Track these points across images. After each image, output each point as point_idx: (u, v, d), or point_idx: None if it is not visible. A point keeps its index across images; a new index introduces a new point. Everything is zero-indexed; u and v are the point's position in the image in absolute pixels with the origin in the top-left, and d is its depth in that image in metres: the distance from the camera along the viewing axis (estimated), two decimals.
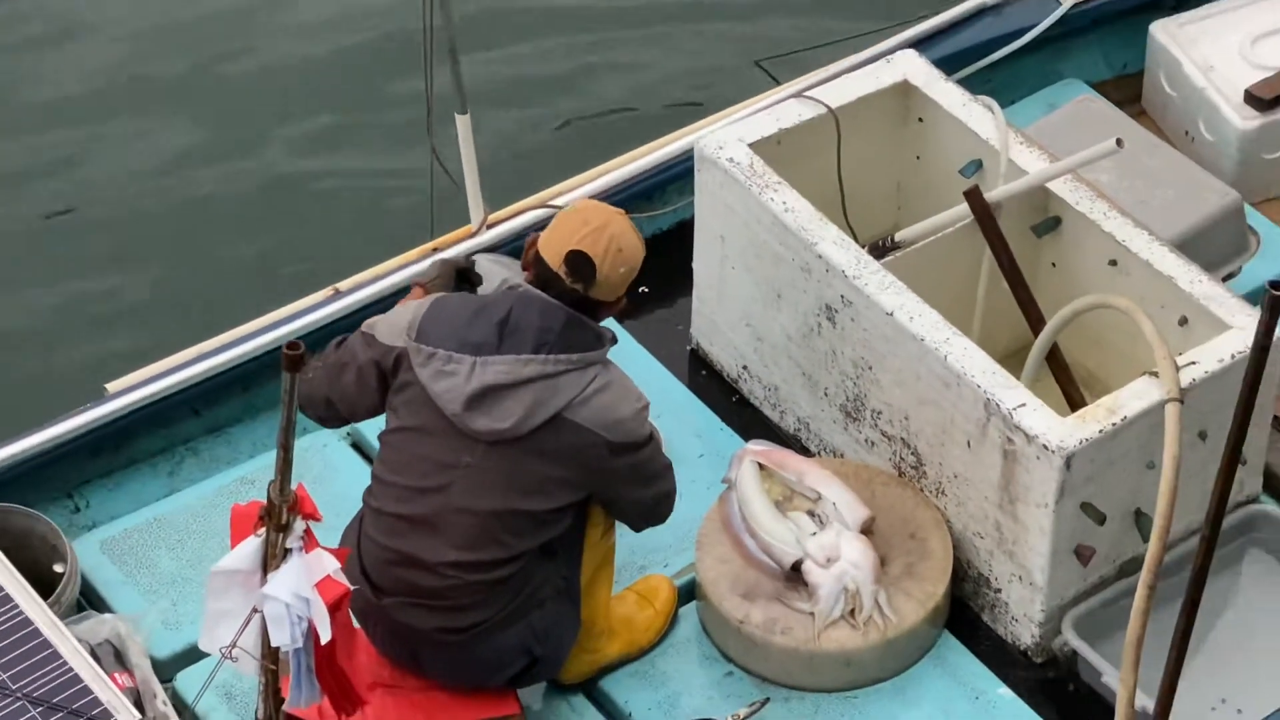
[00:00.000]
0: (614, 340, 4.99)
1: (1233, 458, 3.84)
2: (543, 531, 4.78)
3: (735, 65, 7.64)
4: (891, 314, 5.19)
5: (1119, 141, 5.61)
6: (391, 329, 4.83)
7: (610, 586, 5.25)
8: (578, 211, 4.91)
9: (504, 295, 4.87)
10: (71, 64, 8.59)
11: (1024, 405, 4.98)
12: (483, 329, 4.70)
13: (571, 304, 4.71)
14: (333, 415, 5.04)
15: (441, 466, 4.74)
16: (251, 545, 4.18)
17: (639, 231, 4.84)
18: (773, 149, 5.73)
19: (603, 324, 4.95)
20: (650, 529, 5.21)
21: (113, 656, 4.92)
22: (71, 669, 4.66)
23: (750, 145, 5.70)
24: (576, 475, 4.73)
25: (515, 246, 5.98)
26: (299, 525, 4.15)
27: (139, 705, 4.76)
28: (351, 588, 4.33)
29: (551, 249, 4.71)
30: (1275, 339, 3.63)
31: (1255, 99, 6.42)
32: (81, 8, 8.95)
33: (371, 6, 8.03)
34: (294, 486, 4.07)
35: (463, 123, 5.96)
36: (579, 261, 4.64)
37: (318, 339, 5.56)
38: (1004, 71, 6.69)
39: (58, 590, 5.04)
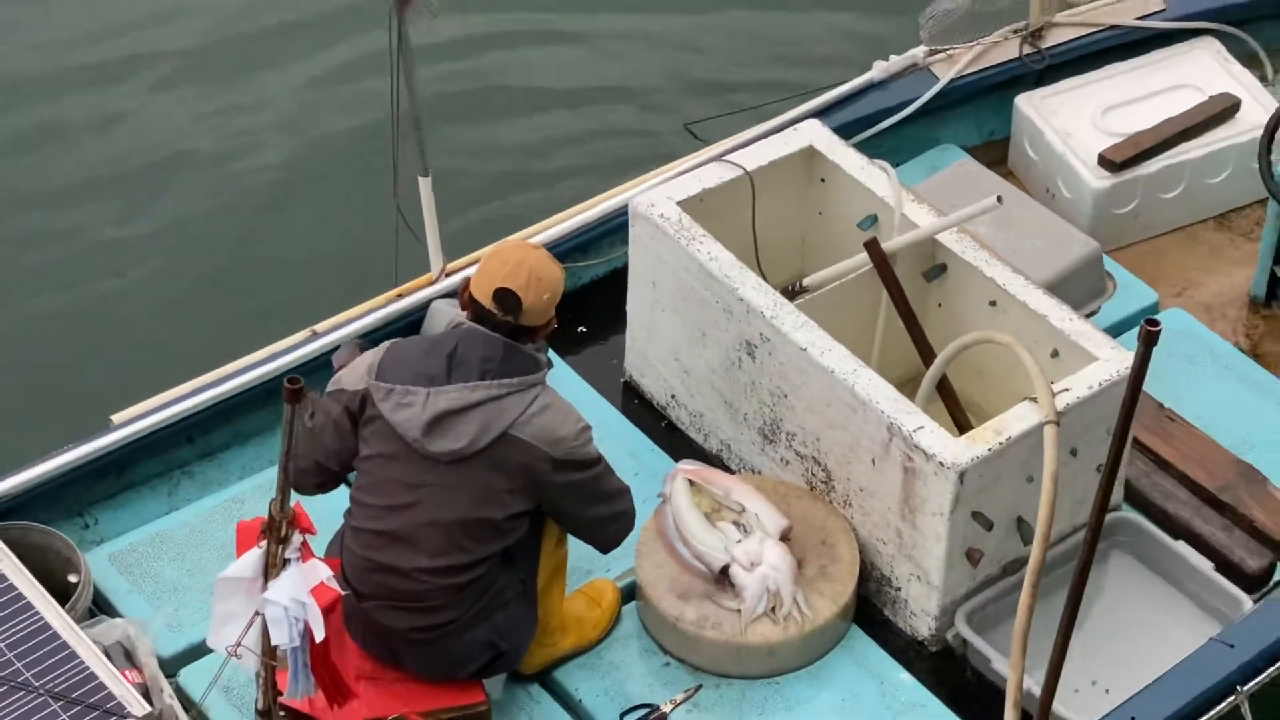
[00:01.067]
0: (550, 365, 5.03)
1: (1112, 472, 3.92)
2: (501, 538, 4.79)
3: (664, 132, 7.62)
4: (804, 349, 5.22)
5: (999, 198, 5.67)
6: (354, 376, 4.89)
7: (563, 590, 5.26)
8: (498, 253, 4.94)
9: (451, 333, 4.93)
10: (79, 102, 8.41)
11: (922, 428, 5.03)
12: (434, 363, 4.74)
13: (508, 334, 4.73)
14: (327, 476, 5.03)
15: (408, 486, 4.76)
16: (254, 555, 4.18)
17: (555, 260, 4.86)
18: (697, 205, 5.73)
19: (545, 355, 4.97)
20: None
21: (123, 656, 4.90)
22: (88, 667, 4.68)
23: (678, 203, 5.70)
24: (525, 486, 4.73)
25: None
26: (296, 538, 4.16)
27: (148, 698, 4.73)
28: (342, 593, 4.31)
29: (481, 289, 4.76)
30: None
31: (1107, 161, 6.47)
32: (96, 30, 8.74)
33: (345, 84, 7.95)
34: (291, 504, 4.05)
35: (424, 184, 5.95)
36: (505, 296, 4.68)
37: (298, 373, 5.33)
38: (892, 138, 6.67)
39: (73, 598, 5.04)
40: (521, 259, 4.80)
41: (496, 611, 4.87)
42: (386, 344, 4.96)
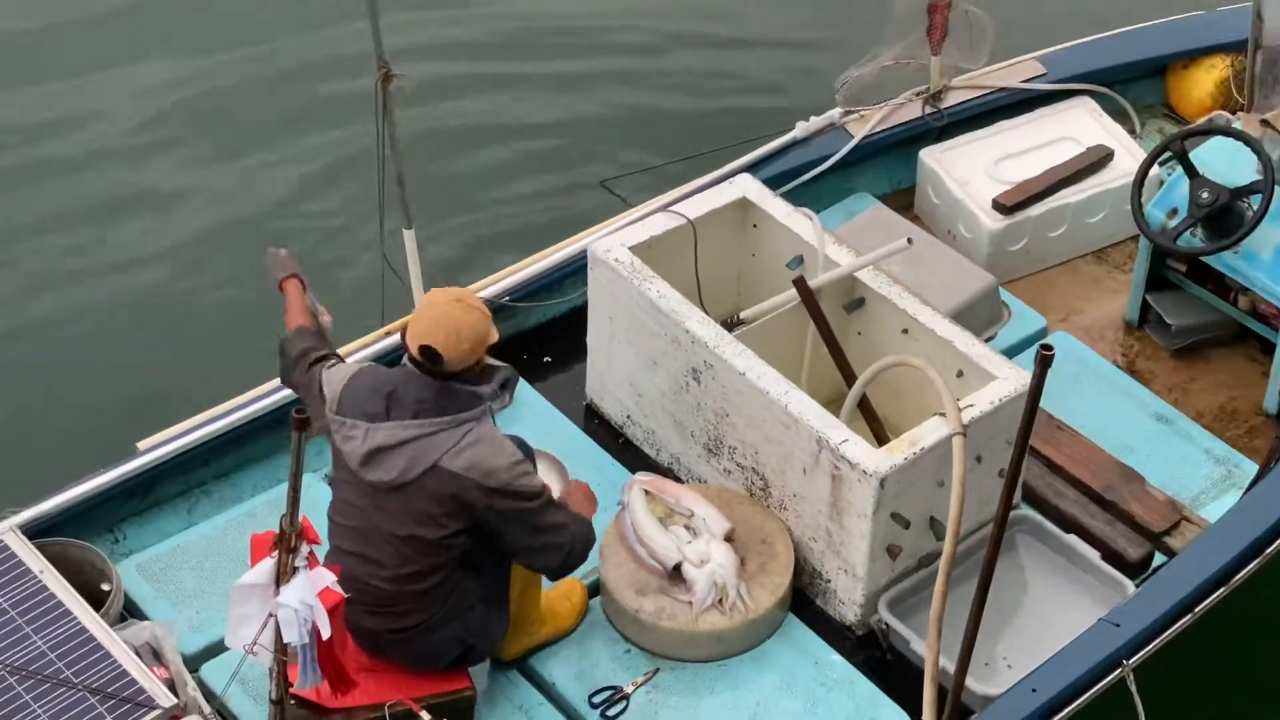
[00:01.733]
0: (497, 397, 4.91)
1: (1014, 476, 4.02)
2: (446, 552, 4.78)
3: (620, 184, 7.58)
4: (743, 374, 5.30)
5: (909, 240, 5.77)
6: (331, 389, 4.86)
7: (540, 590, 5.29)
8: (424, 307, 4.88)
9: (394, 372, 4.89)
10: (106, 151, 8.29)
11: (847, 441, 5.11)
12: (376, 401, 4.73)
13: (443, 378, 4.71)
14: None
15: (359, 508, 4.80)
16: (267, 564, 4.19)
17: (476, 308, 4.78)
18: (646, 250, 5.77)
19: (492, 385, 4.86)
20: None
21: (151, 654, 4.92)
22: (120, 665, 4.75)
23: (630, 248, 5.74)
24: (457, 511, 4.71)
25: None
26: (304, 548, 4.17)
27: (174, 691, 4.76)
28: (345, 595, 4.35)
29: (410, 341, 4.73)
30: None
31: (1000, 206, 6.53)
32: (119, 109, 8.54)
33: (335, 152, 7.96)
34: (300, 519, 4.09)
35: (409, 235, 5.95)
36: (425, 352, 4.64)
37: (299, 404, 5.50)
38: (813, 188, 6.64)
39: (106, 604, 5.05)
40: (439, 317, 4.74)
41: (465, 613, 4.87)
42: (355, 368, 4.95)
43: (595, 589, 5.47)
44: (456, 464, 4.66)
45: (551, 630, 5.35)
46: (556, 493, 5.23)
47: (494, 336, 4.82)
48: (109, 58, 8.58)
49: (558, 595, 5.42)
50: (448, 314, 4.73)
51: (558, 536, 4.90)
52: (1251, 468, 5.88)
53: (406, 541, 4.75)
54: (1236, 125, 6.25)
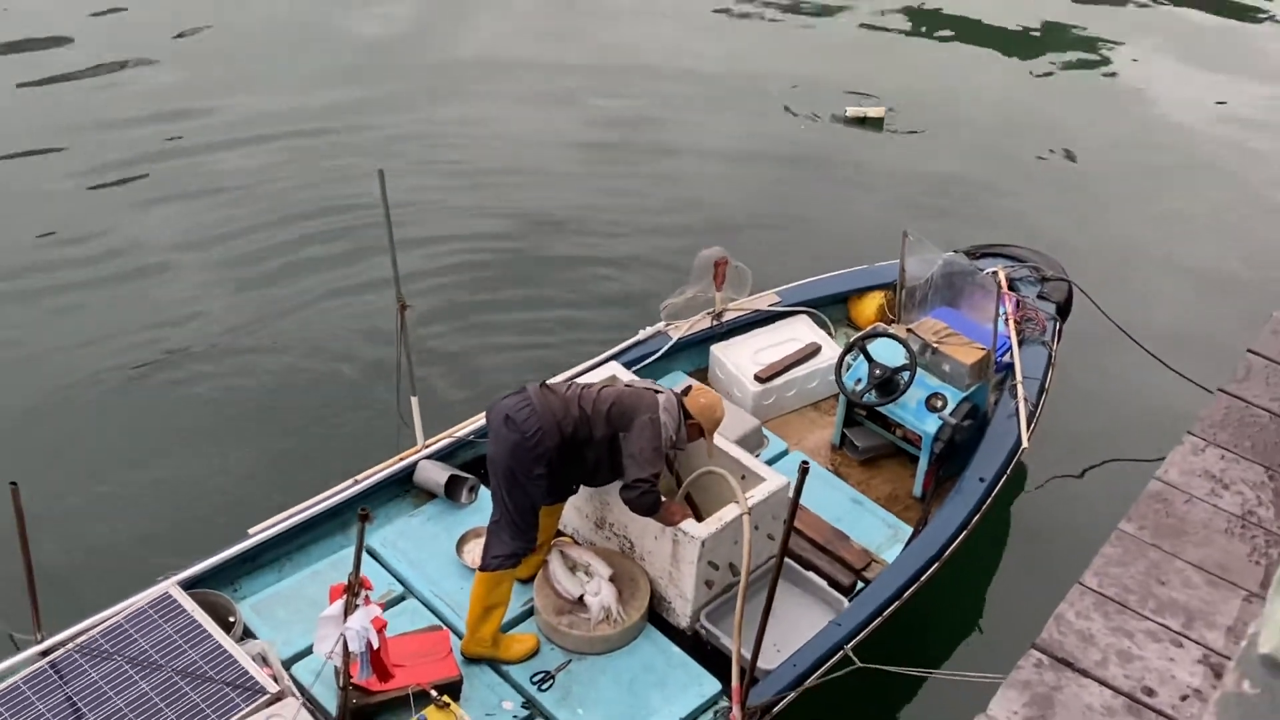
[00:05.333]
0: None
1: (786, 536, 4.16)
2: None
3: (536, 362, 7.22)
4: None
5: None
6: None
7: (500, 616, 5.11)
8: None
9: None
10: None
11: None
12: None
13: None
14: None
15: None
16: (340, 602, 4.21)
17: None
18: None
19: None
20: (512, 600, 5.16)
21: (262, 660, 4.90)
22: (243, 667, 4.71)
23: None
24: None
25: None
26: (364, 593, 4.20)
27: (276, 682, 4.72)
28: (385, 620, 4.32)
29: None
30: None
31: (758, 378, 6.55)
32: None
33: (366, 342, 7.49)
34: (360, 575, 4.09)
35: (415, 402, 5.85)
36: None
37: (355, 503, 5.55)
38: (652, 368, 6.51)
39: (232, 630, 5.06)
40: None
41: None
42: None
43: (531, 611, 5.34)
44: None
45: (499, 654, 5.16)
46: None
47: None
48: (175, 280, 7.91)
49: (517, 637, 5.23)
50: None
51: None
52: (908, 530, 5.93)
53: None
54: (891, 331, 6.37)
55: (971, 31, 11.26)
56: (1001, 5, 11.80)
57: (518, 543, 5.04)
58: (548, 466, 4.90)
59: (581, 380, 5.51)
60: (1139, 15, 12.02)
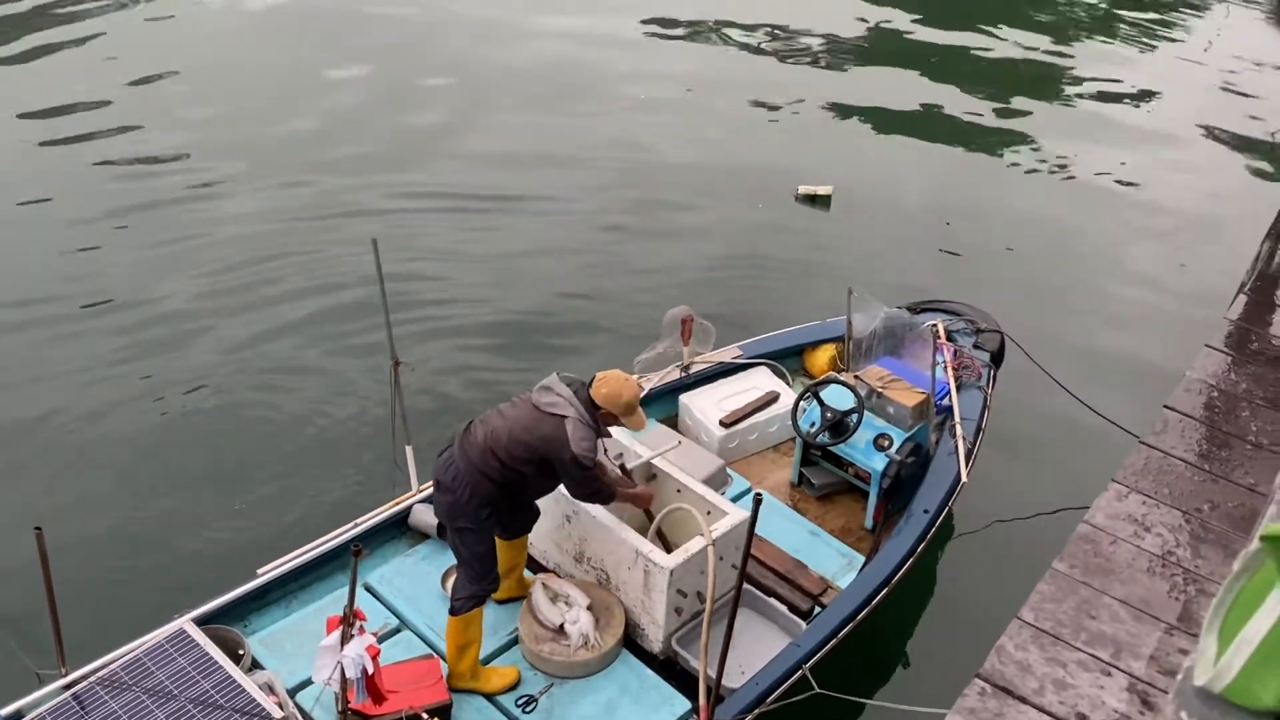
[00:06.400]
0: None
1: (744, 566, 4.08)
2: None
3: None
4: (595, 517, 5.26)
5: (679, 442, 6.00)
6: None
7: (476, 652, 4.95)
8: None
9: None
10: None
11: (651, 551, 5.12)
12: None
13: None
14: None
15: None
16: (337, 633, 4.16)
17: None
18: None
19: None
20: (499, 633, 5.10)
21: (268, 688, 4.81)
22: (251, 695, 4.60)
23: None
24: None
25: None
26: (358, 624, 4.14)
27: (282, 709, 4.61)
28: (380, 648, 4.26)
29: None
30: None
31: (723, 423, 6.47)
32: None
33: (363, 398, 7.35)
34: (355, 608, 4.06)
35: (409, 450, 5.78)
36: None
37: (350, 542, 5.46)
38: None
39: (242, 662, 4.96)
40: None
41: None
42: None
43: (515, 640, 5.25)
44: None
45: (479, 686, 5.01)
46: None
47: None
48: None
49: (498, 670, 5.09)
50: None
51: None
52: (861, 559, 5.86)
53: None
54: (841, 378, 6.33)
55: (907, 122, 11.67)
56: (937, 98, 12.19)
57: (477, 586, 4.86)
58: (491, 507, 4.73)
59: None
60: (1047, 107, 12.49)
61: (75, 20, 12.20)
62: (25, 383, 7.21)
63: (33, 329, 7.67)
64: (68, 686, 4.61)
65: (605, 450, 5.04)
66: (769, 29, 13.66)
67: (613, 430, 5.54)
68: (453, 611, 4.90)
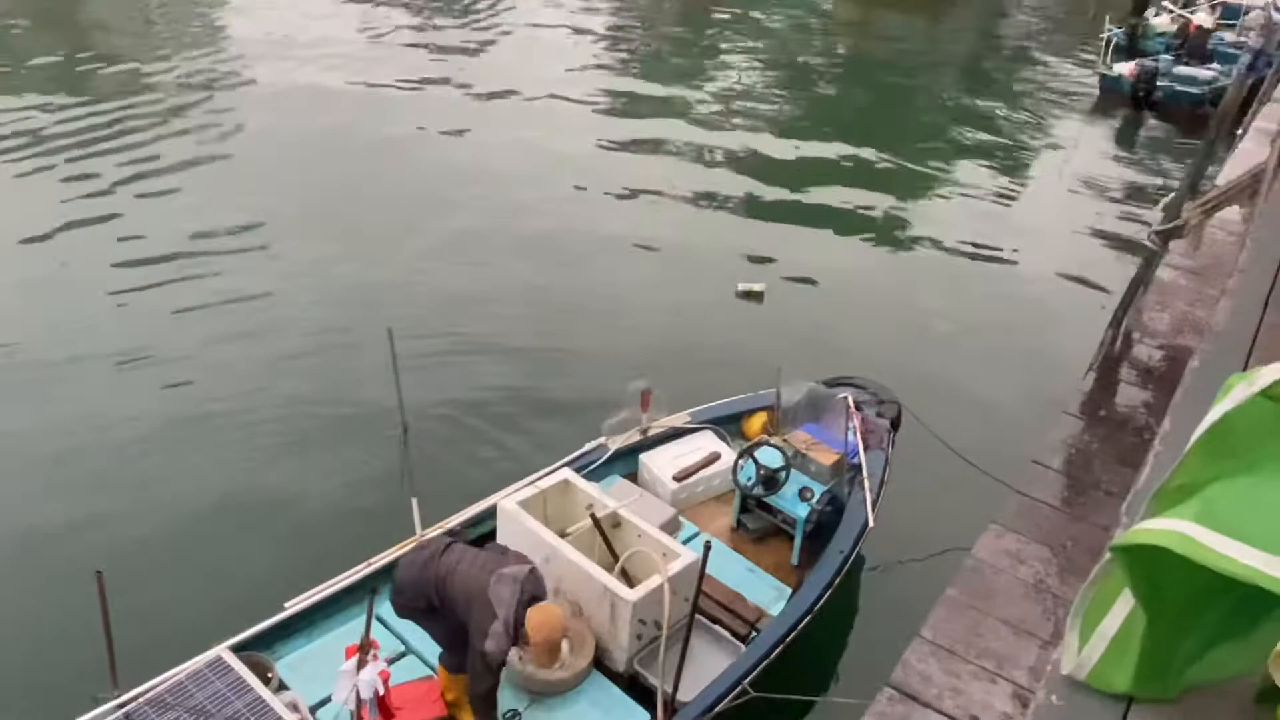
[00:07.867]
0: None
1: (696, 598, 4.26)
2: None
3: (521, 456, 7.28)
4: (570, 559, 5.17)
5: (641, 494, 5.99)
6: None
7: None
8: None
9: None
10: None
11: (619, 587, 5.13)
12: None
13: None
14: None
15: None
16: (354, 659, 4.22)
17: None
18: (526, 503, 5.61)
19: None
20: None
21: (293, 707, 4.77)
22: (278, 714, 4.55)
23: (518, 502, 5.58)
24: None
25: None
26: (373, 651, 4.22)
27: None
28: (390, 671, 4.31)
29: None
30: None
31: (676, 478, 6.47)
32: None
33: (370, 460, 7.27)
34: (370, 638, 4.13)
35: (414, 502, 5.66)
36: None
37: (369, 581, 5.43)
38: (594, 473, 6.36)
39: (271, 684, 4.92)
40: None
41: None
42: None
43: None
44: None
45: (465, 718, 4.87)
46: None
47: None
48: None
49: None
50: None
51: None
52: (789, 590, 5.86)
53: None
54: (772, 441, 6.34)
55: (833, 218, 11.99)
56: (857, 201, 12.59)
57: (454, 657, 4.76)
58: (425, 615, 4.62)
59: (535, 483, 5.59)
60: (943, 204, 12.86)
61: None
62: (91, 429, 7.22)
63: (101, 380, 7.68)
64: (120, 707, 4.57)
65: (520, 659, 4.88)
66: (713, 147, 13.93)
67: (582, 486, 5.61)
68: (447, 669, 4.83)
